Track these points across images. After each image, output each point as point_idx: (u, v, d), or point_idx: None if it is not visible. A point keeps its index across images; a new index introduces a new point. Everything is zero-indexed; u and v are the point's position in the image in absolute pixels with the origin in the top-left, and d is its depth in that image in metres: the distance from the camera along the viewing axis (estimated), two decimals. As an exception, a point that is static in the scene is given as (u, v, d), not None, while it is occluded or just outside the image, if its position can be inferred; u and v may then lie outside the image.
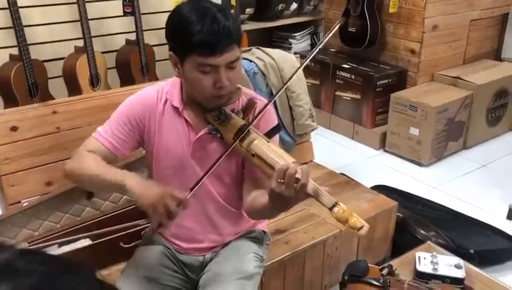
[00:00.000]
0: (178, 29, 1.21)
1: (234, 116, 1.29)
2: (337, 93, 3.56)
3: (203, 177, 1.22)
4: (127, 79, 2.79)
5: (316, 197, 1.05)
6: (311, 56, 1.28)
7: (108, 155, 1.34)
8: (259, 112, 1.28)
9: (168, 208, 1.13)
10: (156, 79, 2.79)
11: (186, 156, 1.34)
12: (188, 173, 1.35)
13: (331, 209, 1.04)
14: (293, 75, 1.29)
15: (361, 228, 1.03)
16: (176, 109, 1.33)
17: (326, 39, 1.29)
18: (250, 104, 1.34)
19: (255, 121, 1.27)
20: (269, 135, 1.25)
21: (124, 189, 1.20)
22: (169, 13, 1.25)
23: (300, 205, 1.34)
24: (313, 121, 2.36)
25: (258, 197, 1.25)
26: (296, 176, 1.03)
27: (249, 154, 1.21)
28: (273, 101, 1.31)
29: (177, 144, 1.34)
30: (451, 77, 3.42)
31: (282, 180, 1.03)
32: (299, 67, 1.34)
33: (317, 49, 1.27)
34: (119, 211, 1.81)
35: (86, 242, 1.69)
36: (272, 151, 1.17)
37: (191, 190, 1.20)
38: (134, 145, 1.38)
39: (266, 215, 1.37)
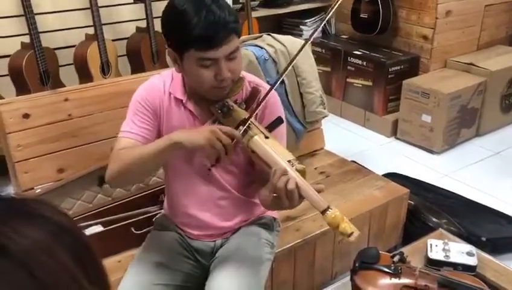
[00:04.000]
0: (174, 25, 1.20)
1: (236, 108, 1.27)
2: (349, 80, 3.54)
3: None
4: (138, 66, 2.80)
5: (308, 200, 1.08)
6: (319, 28, 1.25)
7: None
8: (260, 102, 1.27)
9: (222, 141, 1.14)
10: (166, 66, 2.79)
11: None
12: (194, 160, 1.36)
13: (322, 213, 1.05)
14: (299, 51, 1.26)
15: (351, 234, 1.03)
16: (179, 101, 1.33)
17: (331, 12, 1.26)
18: (254, 93, 1.33)
19: (257, 112, 1.26)
20: (272, 127, 1.25)
21: (177, 144, 1.18)
22: (163, 9, 1.23)
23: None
24: (324, 108, 2.36)
25: (266, 193, 1.23)
26: (288, 187, 1.07)
27: (249, 150, 1.21)
28: (274, 86, 1.28)
29: None
30: (465, 63, 3.37)
31: (274, 193, 1.10)
32: (305, 43, 1.31)
33: (324, 22, 1.29)
34: (131, 198, 1.83)
35: (98, 228, 1.70)
36: (269, 149, 1.16)
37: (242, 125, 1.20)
38: (157, 134, 1.36)
39: (278, 209, 1.37)
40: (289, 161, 1.13)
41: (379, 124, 3.44)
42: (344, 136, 3.37)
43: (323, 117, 2.39)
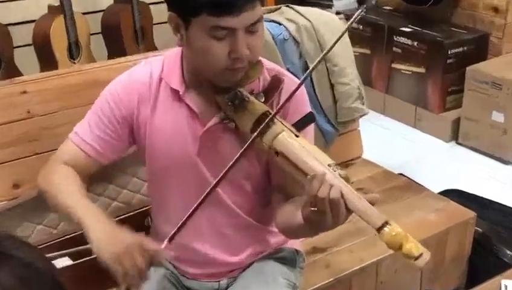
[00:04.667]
0: None
1: (253, 99, 1.29)
2: (394, 65, 3.53)
3: (198, 205, 1.19)
4: (117, 49, 2.81)
5: (359, 215, 1.07)
6: (357, 17, 1.23)
7: (90, 164, 1.38)
8: (288, 95, 1.26)
9: (136, 264, 1.15)
10: (154, 48, 2.80)
11: (190, 154, 1.35)
12: (192, 175, 1.37)
13: (379, 230, 1.05)
14: (336, 41, 1.26)
15: (419, 256, 1.03)
16: (175, 92, 1.34)
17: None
18: (275, 83, 1.33)
19: (281, 106, 1.26)
20: (299, 126, 1.26)
21: (84, 231, 1.24)
22: None
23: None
24: (363, 104, 2.35)
25: (293, 212, 1.25)
26: (332, 195, 1.07)
27: (271, 152, 1.21)
28: (306, 77, 1.28)
29: (177, 137, 1.36)
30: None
31: (313, 207, 1.09)
32: (344, 31, 1.30)
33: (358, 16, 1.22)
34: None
35: (65, 262, 1.70)
36: (302, 149, 1.17)
37: (170, 239, 1.20)
38: (123, 147, 1.41)
39: (305, 235, 1.39)
40: (329, 166, 1.14)
41: (434, 124, 3.42)
42: (388, 140, 3.36)
43: (361, 115, 2.38)
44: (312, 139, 1.37)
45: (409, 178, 2.49)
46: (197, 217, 1.30)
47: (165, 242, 1.19)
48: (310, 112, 1.33)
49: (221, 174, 1.19)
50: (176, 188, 1.39)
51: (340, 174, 1.12)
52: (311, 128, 1.36)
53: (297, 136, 1.21)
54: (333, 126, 2.33)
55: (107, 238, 1.21)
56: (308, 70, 1.30)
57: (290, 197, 1.31)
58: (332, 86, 2.30)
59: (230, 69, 1.24)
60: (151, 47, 2.84)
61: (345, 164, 2.43)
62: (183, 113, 1.34)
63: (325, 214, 1.08)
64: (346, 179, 1.12)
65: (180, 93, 1.33)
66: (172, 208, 1.41)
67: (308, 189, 1.10)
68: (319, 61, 1.27)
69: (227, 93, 1.29)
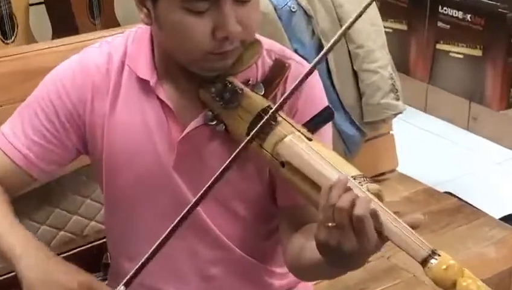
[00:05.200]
0: None
1: (249, 92, 1.28)
2: (440, 46, 3.55)
3: (171, 232, 1.15)
4: (65, 25, 2.81)
5: (396, 242, 1.05)
6: None
7: (21, 178, 1.37)
8: (295, 85, 1.20)
9: None
10: (116, 25, 2.80)
11: (165, 166, 1.34)
12: (167, 195, 1.36)
13: (424, 262, 1.03)
14: (361, 13, 1.24)
15: None
16: (143, 83, 1.34)
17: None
18: (279, 69, 1.33)
19: (287, 98, 1.22)
20: (312, 126, 1.24)
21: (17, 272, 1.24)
22: None
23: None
24: (397, 99, 2.33)
25: (304, 242, 1.25)
26: (356, 212, 1.03)
27: (275, 162, 1.20)
28: (322, 60, 1.27)
29: (146, 144, 1.35)
30: None
31: (330, 223, 1.05)
32: (371, 1, 1.30)
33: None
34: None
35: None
36: (317, 157, 1.15)
37: (127, 283, 1.17)
38: (67, 157, 1.40)
39: (321, 274, 1.35)
40: (353, 178, 1.11)
41: (494, 125, 3.43)
42: (432, 147, 3.35)
43: (395, 114, 2.36)
44: (330, 143, 1.37)
45: (460, 198, 2.48)
46: (172, 251, 1.30)
47: (120, 288, 1.16)
48: (327, 106, 1.31)
49: (204, 188, 1.15)
50: (145, 213, 1.38)
51: (368, 189, 1.09)
52: (328, 128, 1.35)
53: (309, 139, 1.19)
54: (357, 129, 2.32)
55: (41, 279, 1.20)
56: (324, 51, 1.23)
57: (303, 225, 1.30)
58: (356, 75, 2.29)
59: (216, 53, 1.23)
60: (110, 22, 2.84)
61: (374, 179, 2.37)
62: (155, 111, 1.33)
63: (347, 237, 1.04)
64: (379, 197, 1.09)
65: (151, 84, 1.32)
66: (139, 239, 1.39)
67: (324, 201, 1.06)
68: (338, 39, 1.25)
69: (214, 84, 1.28)
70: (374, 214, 1.03)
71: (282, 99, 1.22)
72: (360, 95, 2.32)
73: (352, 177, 1.10)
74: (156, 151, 1.34)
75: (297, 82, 1.19)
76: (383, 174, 2.48)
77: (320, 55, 1.20)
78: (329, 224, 1.05)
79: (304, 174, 1.15)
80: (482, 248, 2.16)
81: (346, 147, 2.29)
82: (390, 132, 2.50)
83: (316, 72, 1.33)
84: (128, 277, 1.16)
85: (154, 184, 1.36)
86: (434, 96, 3.63)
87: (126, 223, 1.43)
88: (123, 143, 1.35)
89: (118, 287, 1.16)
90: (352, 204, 1.03)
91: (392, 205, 2.28)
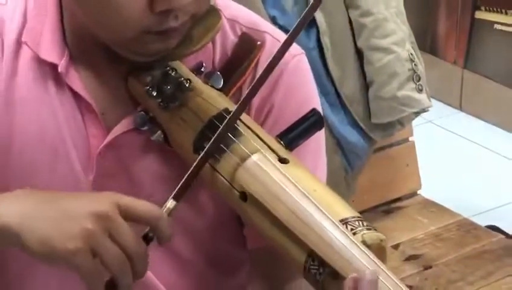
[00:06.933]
0: None
1: (200, 84, 1.18)
2: (479, 16, 3.48)
3: None
4: None
5: None
6: None
7: None
8: (266, 72, 1.09)
9: (126, 240, 1.01)
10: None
11: (79, 185, 1.23)
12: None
13: None
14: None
15: None
16: (48, 68, 1.22)
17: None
18: (246, 50, 1.24)
19: (252, 94, 1.13)
20: (291, 140, 1.11)
21: (6, 237, 1.05)
22: None
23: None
24: (420, 90, 2.16)
25: None
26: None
27: (234, 193, 1.07)
28: (301, 27, 1.09)
29: (52, 153, 1.23)
30: None
31: None
32: None
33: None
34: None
35: None
36: (293, 189, 1.03)
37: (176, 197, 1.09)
38: None
39: None
40: (344, 223, 1.00)
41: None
42: (469, 161, 3.13)
43: (417, 113, 2.23)
44: (318, 163, 1.27)
45: (509, 235, 2.31)
46: None
47: (169, 201, 1.09)
48: (313, 109, 1.14)
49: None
50: (43, 270, 1.28)
51: (364, 240, 0.98)
52: (316, 142, 1.22)
53: (284, 161, 1.07)
54: (362, 133, 2.18)
55: (53, 217, 1.03)
56: (305, 11, 1.04)
57: (278, 282, 1.26)
58: (360, 56, 2.16)
59: (155, 31, 1.12)
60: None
61: (388, 206, 2.31)
62: (66, 108, 1.22)
63: None
64: (379, 247, 0.98)
65: (59, 69, 1.20)
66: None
67: None
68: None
69: (150, 72, 1.17)
70: None
71: (246, 94, 1.12)
72: (366, 84, 2.19)
73: (341, 221, 0.99)
74: (66, 162, 1.24)
75: (269, 60, 1.09)
76: (399, 199, 2.37)
77: (298, 21, 1.05)
78: None
79: (271, 213, 1.02)
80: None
81: (346, 161, 2.18)
82: (411, 139, 2.39)
83: (303, 55, 1.28)
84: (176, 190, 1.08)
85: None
86: (472, 86, 3.52)
87: (20, 267, 1.29)
88: (18, 150, 1.24)
89: (167, 200, 1.08)
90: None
91: (412, 245, 2.27)
